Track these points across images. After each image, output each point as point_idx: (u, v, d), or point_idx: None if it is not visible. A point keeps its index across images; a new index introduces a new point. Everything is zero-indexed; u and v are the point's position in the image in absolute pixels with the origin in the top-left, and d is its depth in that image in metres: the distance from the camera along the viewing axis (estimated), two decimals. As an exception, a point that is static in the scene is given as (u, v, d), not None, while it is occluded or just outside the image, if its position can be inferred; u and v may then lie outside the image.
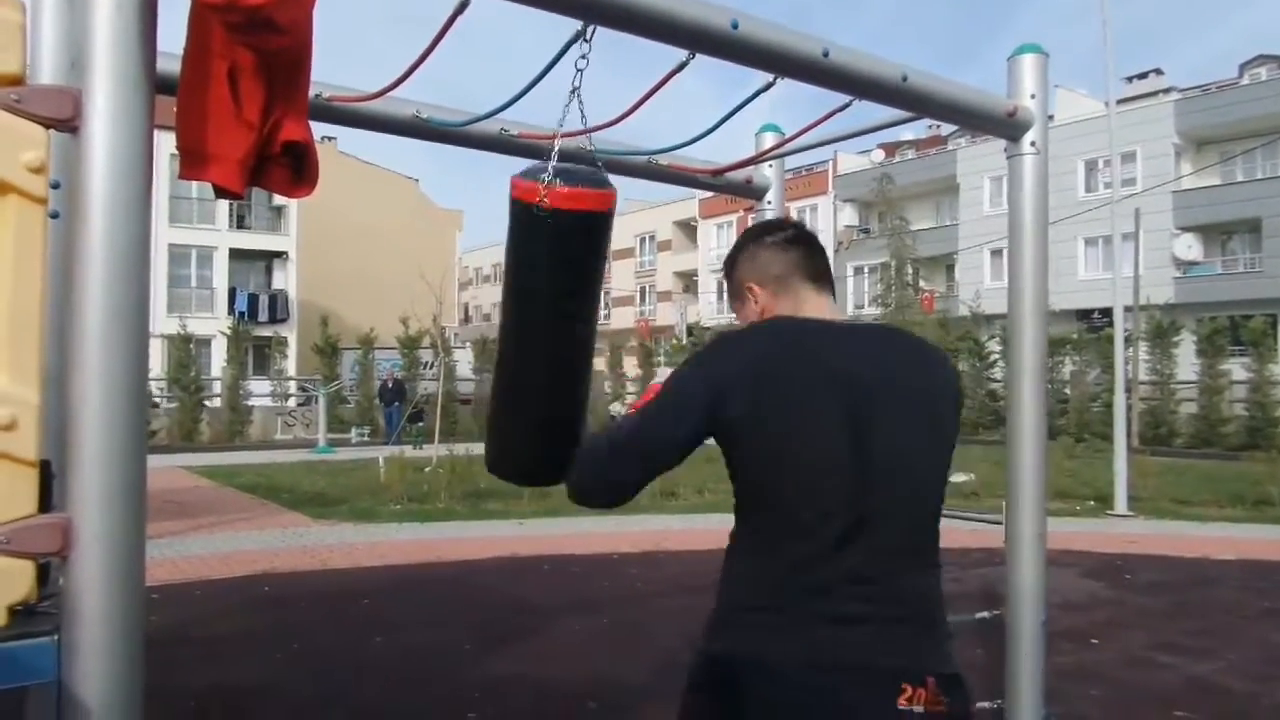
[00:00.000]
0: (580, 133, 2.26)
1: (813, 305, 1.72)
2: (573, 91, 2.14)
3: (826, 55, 2.12)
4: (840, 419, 1.53)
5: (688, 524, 10.00)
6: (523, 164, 2.14)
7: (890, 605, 1.52)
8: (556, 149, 2.01)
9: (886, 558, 1.53)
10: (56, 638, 1.31)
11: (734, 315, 1.95)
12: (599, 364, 31.39)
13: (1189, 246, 30.31)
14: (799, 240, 1.78)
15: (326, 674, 4.91)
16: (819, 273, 1.76)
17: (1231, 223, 30.35)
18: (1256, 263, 29.59)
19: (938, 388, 1.68)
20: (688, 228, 49.58)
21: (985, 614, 3.31)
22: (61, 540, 1.29)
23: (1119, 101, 14.43)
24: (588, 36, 1.94)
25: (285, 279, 35.51)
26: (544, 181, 1.94)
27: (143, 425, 1.36)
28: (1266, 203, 28.91)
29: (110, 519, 1.30)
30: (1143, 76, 38.10)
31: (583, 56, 2.01)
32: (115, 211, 1.31)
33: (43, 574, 1.35)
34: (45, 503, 1.33)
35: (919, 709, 1.47)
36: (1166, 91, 34.74)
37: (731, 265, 1.85)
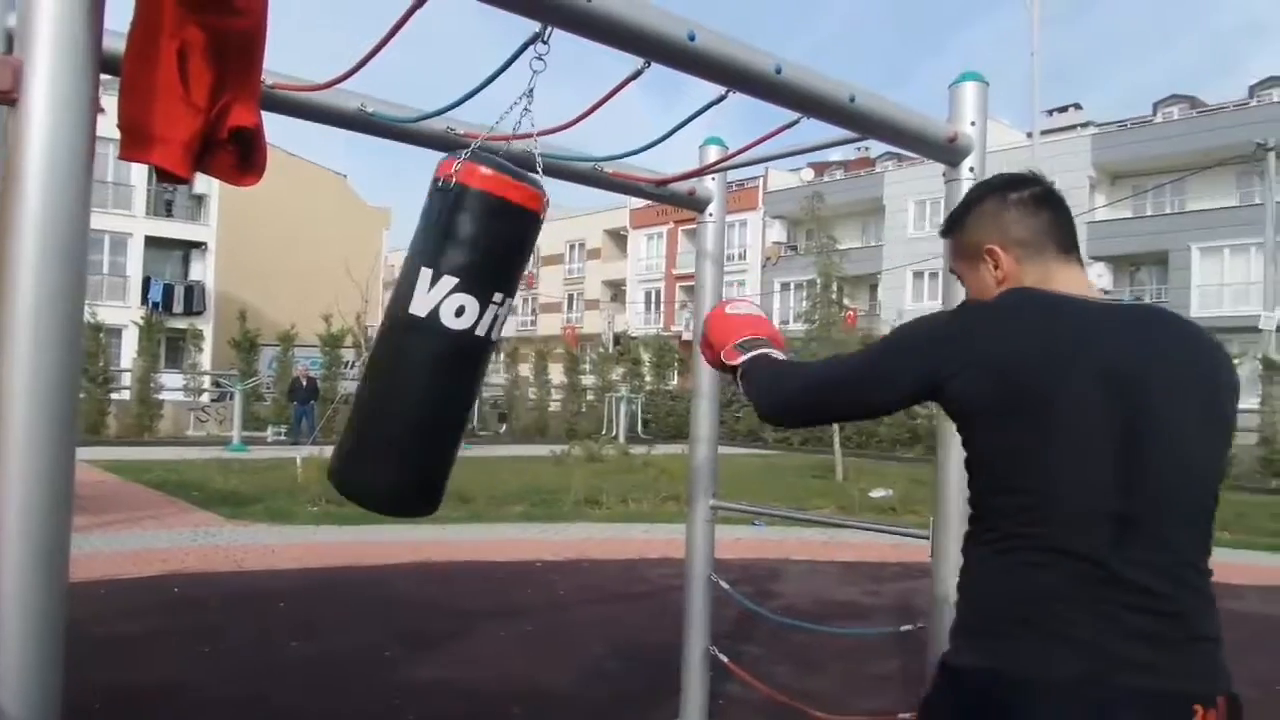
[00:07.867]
0: (527, 135, 2.25)
1: (1063, 280, 1.50)
2: (527, 93, 2.14)
3: (779, 71, 2.15)
4: (1108, 415, 1.36)
5: (611, 533, 9.97)
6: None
7: (1176, 621, 1.36)
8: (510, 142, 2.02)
9: (1168, 568, 1.37)
10: (-29, 637, 1.25)
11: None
12: (524, 369, 31.21)
13: (1099, 276, 31.51)
14: (1049, 201, 1.54)
15: (242, 676, 4.75)
16: (1072, 242, 1.53)
17: (1140, 254, 31.71)
18: (1163, 294, 30.88)
19: (1219, 378, 1.47)
20: (618, 237, 49.66)
21: (909, 626, 3.37)
22: (-19, 534, 1.22)
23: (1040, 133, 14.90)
24: (546, 38, 1.92)
25: (203, 270, 34.50)
26: (460, 158, 2.12)
27: (72, 420, 1.30)
28: (1174, 236, 30.33)
29: (34, 517, 1.24)
30: (1062, 110, 39.58)
31: (539, 58, 2.00)
32: (53, 190, 1.25)
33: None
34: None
35: None
36: (1084, 125, 36.09)
37: (959, 222, 1.62)
